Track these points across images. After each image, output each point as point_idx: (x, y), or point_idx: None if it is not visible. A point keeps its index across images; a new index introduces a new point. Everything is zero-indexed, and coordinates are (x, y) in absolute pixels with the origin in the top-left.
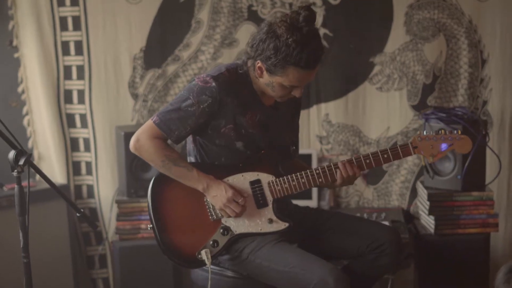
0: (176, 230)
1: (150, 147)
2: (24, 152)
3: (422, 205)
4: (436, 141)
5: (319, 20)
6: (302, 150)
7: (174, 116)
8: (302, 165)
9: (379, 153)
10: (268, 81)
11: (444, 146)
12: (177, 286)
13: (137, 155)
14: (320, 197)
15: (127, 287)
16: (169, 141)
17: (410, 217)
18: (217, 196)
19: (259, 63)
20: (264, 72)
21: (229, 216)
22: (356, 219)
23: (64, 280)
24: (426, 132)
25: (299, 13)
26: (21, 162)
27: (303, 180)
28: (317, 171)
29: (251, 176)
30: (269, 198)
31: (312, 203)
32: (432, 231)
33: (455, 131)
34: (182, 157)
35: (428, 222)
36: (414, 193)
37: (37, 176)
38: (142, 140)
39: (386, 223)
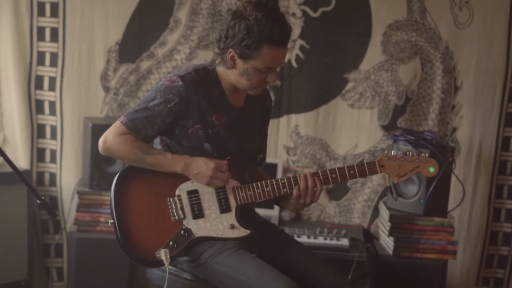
0: (137, 228)
1: (120, 143)
2: None
3: (383, 225)
4: (403, 161)
5: (297, 31)
6: (268, 159)
7: (141, 116)
8: (264, 175)
9: (346, 168)
10: (242, 69)
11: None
12: (131, 283)
13: (108, 155)
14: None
15: (81, 278)
16: None
17: (369, 236)
18: (199, 172)
19: (231, 52)
20: (237, 60)
21: (218, 186)
22: (317, 263)
23: (18, 265)
24: (394, 152)
25: None
26: None
27: (267, 189)
28: (283, 181)
29: (223, 162)
30: (233, 204)
31: (274, 212)
32: (391, 252)
33: (422, 154)
34: (153, 146)
35: (387, 243)
36: (375, 212)
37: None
38: (110, 139)
39: (346, 240)
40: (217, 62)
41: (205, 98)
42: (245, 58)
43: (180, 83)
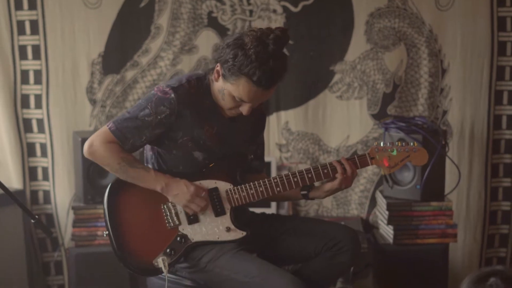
0: (132, 237)
1: (105, 151)
2: None
3: (381, 214)
4: (392, 152)
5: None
6: None
7: (131, 125)
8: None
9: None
10: (220, 87)
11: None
12: None
13: (92, 160)
14: (279, 205)
15: None
16: None
17: (369, 227)
18: (178, 194)
19: (218, 66)
20: (220, 77)
21: (194, 212)
22: (311, 221)
23: (19, 286)
24: (383, 143)
25: (273, 31)
26: None
27: (261, 189)
28: (275, 180)
29: (209, 184)
30: (227, 206)
31: (271, 211)
32: (391, 241)
33: (411, 143)
34: (138, 159)
35: (387, 232)
36: (373, 202)
37: None
38: (96, 145)
39: None
40: (211, 77)
41: (197, 110)
42: (225, 78)
43: (173, 95)
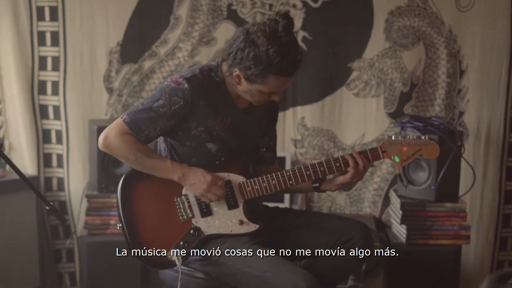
0: (146, 230)
1: (121, 143)
2: None
3: (394, 213)
4: (404, 145)
5: (298, 23)
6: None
7: (145, 116)
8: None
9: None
10: (246, 89)
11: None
12: (144, 284)
13: (107, 152)
14: (292, 201)
15: (94, 282)
16: None
17: (381, 225)
18: (195, 183)
19: (236, 71)
20: (243, 80)
21: (211, 201)
22: (324, 216)
23: (30, 272)
24: (395, 137)
25: (278, 21)
26: None
27: (273, 182)
28: (288, 173)
29: (222, 176)
30: (240, 200)
31: (284, 206)
32: (404, 240)
33: (423, 137)
34: (153, 150)
35: (399, 231)
36: (386, 201)
37: (7, 166)
38: (111, 137)
39: None
40: (224, 69)
41: (210, 101)
42: (250, 81)
43: (186, 85)
